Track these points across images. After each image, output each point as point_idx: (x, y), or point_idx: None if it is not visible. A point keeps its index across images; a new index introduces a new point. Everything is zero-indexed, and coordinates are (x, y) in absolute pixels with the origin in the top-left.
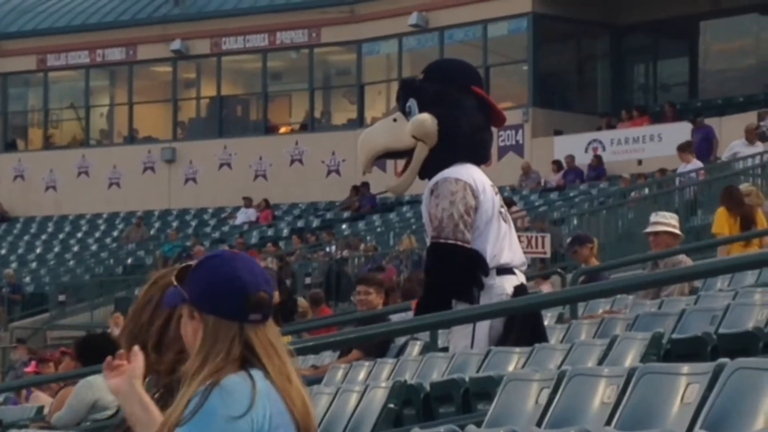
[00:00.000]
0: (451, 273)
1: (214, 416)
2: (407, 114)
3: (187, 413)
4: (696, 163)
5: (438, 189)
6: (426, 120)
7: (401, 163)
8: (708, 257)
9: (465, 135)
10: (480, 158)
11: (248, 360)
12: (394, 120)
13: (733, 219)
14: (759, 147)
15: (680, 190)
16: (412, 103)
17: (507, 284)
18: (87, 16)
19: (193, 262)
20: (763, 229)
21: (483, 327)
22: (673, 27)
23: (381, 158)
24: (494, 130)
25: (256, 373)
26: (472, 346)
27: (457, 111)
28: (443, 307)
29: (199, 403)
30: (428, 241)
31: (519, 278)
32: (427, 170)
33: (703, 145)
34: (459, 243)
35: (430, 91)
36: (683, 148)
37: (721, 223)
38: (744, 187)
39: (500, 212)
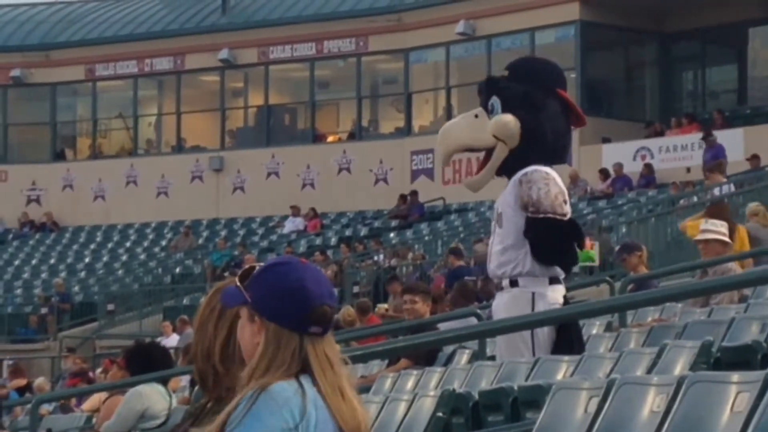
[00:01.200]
0: (550, 244)
1: (260, 424)
2: (489, 111)
3: (234, 418)
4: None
5: (528, 176)
6: (509, 122)
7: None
8: (758, 264)
9: (546, 139)
10: (558, 161)
11: (302, 370)
12: (476, 116)
13: None
14: None
15: (730, 198)
16: (495, 101)
17: (558, 294)
18: (135, 26)
19: (257, 265)
20: (739, 252)
21: (543, 334)
22: (722, 34)
23: (462, 152)
24: None
25: (306, 380)
26: (534, 354)
27: (541, 115)
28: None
29: (245, 407)
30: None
31: (564, 289)
32: (505, 169)
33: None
34: (558, 216)
35: (515, 92)
36: (712, 170)
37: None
38: (753, 205)
39: None
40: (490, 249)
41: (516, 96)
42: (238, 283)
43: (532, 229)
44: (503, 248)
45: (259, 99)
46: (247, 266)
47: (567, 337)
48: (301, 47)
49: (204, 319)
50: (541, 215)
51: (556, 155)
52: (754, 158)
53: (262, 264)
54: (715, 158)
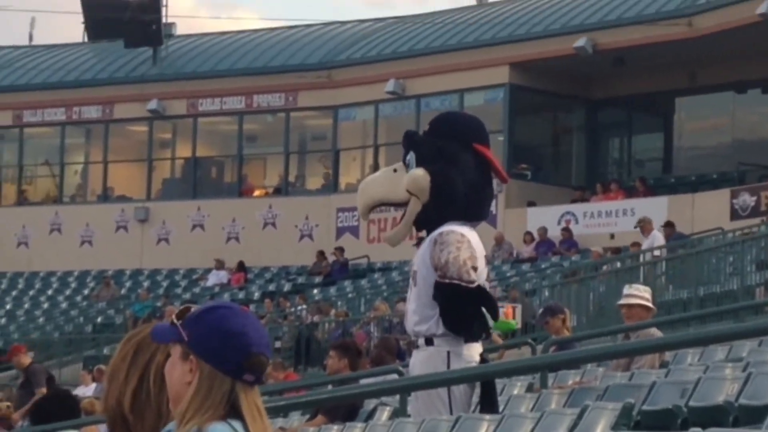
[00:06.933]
0: (455, 310)
1: None
2: (407, 166)
3: None
4: (655, 235)
5: (443, 237)
6: (419, 176)
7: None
8: (679, 331)
9: (458, 193)
10: (474, 217)
11: (230, 415)
12: (395, 170)
13: None
14: (650, 240)
15: (653, 265)
16: (411, 156)
17: (474, 352)
18: (64, 74)
19: (194, 306)
20: None
21: (460, 392)
22: (649, 102)
23: (379, 206)
24: None
25: (237, 425)
26: (451, 411)
27: (453, 169)
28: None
29: None
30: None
31: (480, 347)
32: (421, 224)
33: None
34: (463, 284)
35: (429, 146)
36: (641, 222)
37: None
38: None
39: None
40: (407, 306)
41: (430, 150)
42: (175, 321)
43: (439, 293)
44: (417, 307)
45: (186, 151)
46: (184, 306)
47: (490, 396)
48: (230, 100)
49: (115, 368)
50: (447, 281)
51: (471, 211)
52: (668, 226)
53: (200, 305)
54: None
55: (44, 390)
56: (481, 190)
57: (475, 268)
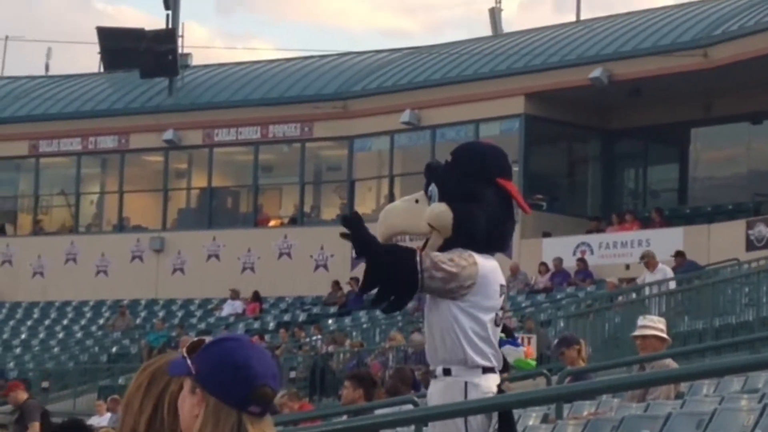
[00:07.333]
0: (396, 273)
1: None
2: (430, 198)
3: None
4: (664, 269)
5: (458, 251)
6: (441, 212)
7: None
8: (694, 362)
9: (480, 229)
10: (495, 250)
11: None
12: (416, 201)
13: None
14: (658, 274)
15: (668, 296)
16: (433, 188)
17: (492, 383)
18: (80, 104)
19: (207, 338)
20: None
21: (477, 423)
22: (664, 133)
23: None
24: None
25: None
26: None
27: (476, 205)
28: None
29: None
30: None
31: (498, 378)
32: None
33: None
34: (418, 273)
35: (452, 181)
36: (646, 256)
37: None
38: None
39: (497, 314)
40: (425, 335)
41: (452, 185)
42: (185, 354)
43: (397, 253)
44: (432, 335)
45: (202, 181)
46: (196, 339)
47: (507, 427)
48: (246, 131)
49: (130, 397)
50: (417, 259)
51: (492, 245)
52: (679, 255)
53: (211, 338)
54: None
55: (37, 425)
56: (503, 224)
57: (452, 290)
